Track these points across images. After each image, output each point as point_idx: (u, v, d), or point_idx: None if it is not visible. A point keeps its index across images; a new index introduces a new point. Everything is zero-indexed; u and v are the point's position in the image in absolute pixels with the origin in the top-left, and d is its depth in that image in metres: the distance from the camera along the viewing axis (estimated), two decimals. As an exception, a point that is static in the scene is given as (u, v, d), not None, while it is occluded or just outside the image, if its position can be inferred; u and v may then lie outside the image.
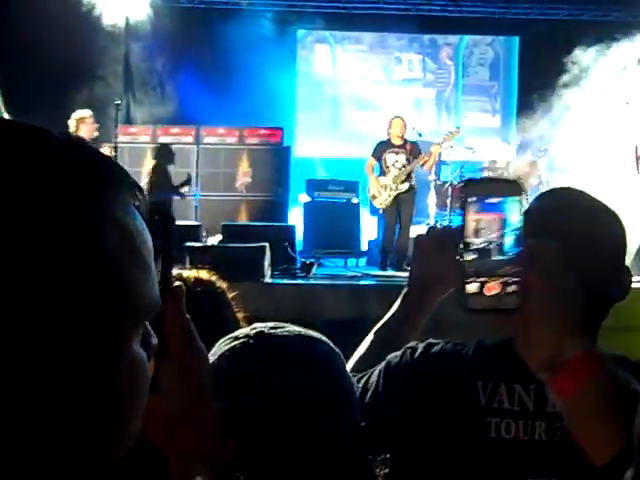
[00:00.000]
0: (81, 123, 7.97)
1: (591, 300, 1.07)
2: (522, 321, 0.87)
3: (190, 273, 1.64)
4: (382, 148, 8.90)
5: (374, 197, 8.87)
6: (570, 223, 1.37)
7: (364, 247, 9.82)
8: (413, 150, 8.81)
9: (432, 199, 9.75)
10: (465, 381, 1.42)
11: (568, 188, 1.58)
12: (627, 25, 10.83)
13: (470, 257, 0.88)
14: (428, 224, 9.03)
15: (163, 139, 10.26)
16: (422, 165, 8.87)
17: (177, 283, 0.83)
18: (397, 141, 8.84)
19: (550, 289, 0.86)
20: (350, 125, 12.04)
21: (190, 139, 10.44)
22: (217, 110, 10.47)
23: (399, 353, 1.48)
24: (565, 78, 10.64)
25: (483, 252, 0.88)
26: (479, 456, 1.38)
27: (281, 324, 1.12)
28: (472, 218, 0.89)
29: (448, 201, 9.48)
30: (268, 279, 6.40)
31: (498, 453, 1.37)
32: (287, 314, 5.86)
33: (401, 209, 8.76)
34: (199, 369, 0.77)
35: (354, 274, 7.50)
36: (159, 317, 0.78)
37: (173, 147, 9.74)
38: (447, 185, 9.67)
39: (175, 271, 1.66)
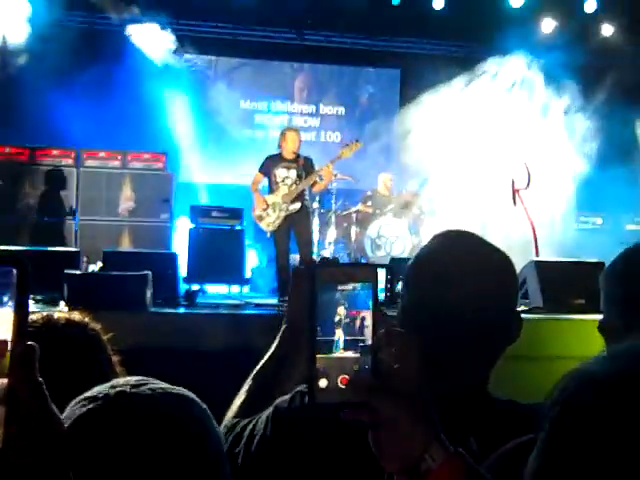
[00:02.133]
0: None
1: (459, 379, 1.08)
2: (375, 430, 0.85)
3: (61, 315, 1.58)
4: (272, 162, 8.16)
5: (260, 218, 8.12)
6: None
7: (248, 274, 9.80)
8: (305, 165, 8.08)
9: (315, 227, 9.52)
10: (351, 431, 1.41)
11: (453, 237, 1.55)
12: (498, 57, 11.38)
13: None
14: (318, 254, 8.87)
15: (42, 161, 9.95)
16: (312, 186, 8.18)
17: (29, 343, 0.79)
18: (290, 156, 8.09)
19: (401, 411, 0.84)
20: (235, 151, 12.01)
21: (70, 162, 10.15)
22: (99, 134, 10.25)
23: (287, 398, 1.44)
24: (443, 112, 11.03)
25: (328, 345, 0.87)
26: None
27: (144, 380, 1.06)
28: (338, 310, 0.87)
29: (330, 230, 9.49)
30: (150, 308, 6.26)
31: None
32: (169, 344, 5.78)
33: (295, 232, 8.01)
34: (50, 436, 0.74)
35: (237, 302, 7.45)
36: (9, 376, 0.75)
37: (52, 170, 9.48)
38: (330, 214, 9.79)
39: (45, 312, 1.60)
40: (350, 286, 0.88)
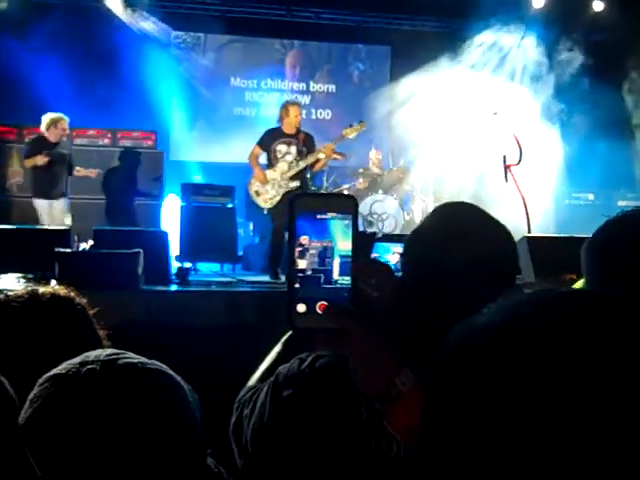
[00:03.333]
0: (52, 125, 8.49)
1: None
2: (351, 356, 0.88)
3: (46, 289, 1.57)
4: (272, 137, 7.84)
5: (257, 194, 7.88)
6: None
7: (240, 252, 9.79)
8: (307, 142, 7.81)
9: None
10: (348, 397, 1.41)
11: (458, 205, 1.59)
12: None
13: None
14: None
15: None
16: (312, 166, 7.91)
17: None
18: (291, 130, 7.78)
19: (371, 335, 0.86)
20: (226, 129, 11.96)
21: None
22: (89, 111, 10.19)
23: (287, 365, 1.44)
24: (435, 88, 10.99)
25: (311, 279, 0.89)
26: (362, 474, 1.37)
27: (116, 353, 1.04)
28: (301, 239, 0.89)
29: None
30: (142, 286, 6.25)
31: (380, 471, 1.36)
32: (162, 322, 5.78)
33: None
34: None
35: (230, 280, 7.44)
36: None
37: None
38: (322, 191, 9.75)
39: (30, 287, 1.59)
40: (329, 215, 0.89)
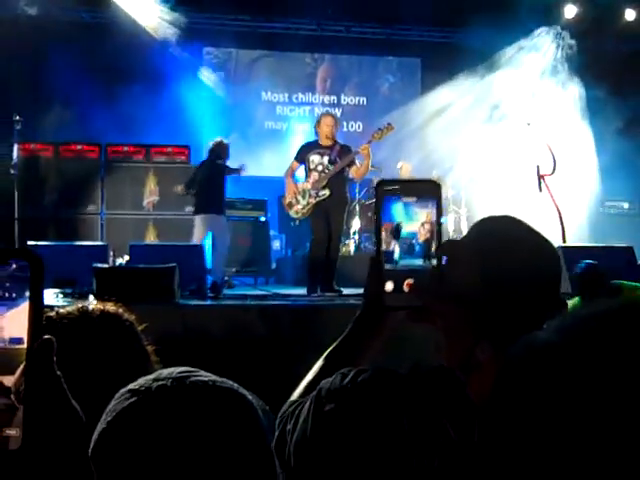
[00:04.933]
0: None
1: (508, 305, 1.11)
2: (439, 329, 0.95)
3: (95, 306, 1.60)
4: (307, 149, 7.78)
5: (290, 205, 7.74)
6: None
7: (273, 265, 9.82)
8: (342, 152, 7.64)
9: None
10: (390, 412, 1.41)
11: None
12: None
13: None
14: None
15: (66, 157, 10.05)
16: (354, 174, 7.67)
17: (46, 337, 0.80)
18: (325, 142, 7.68)
19: (454, 310, 0.94)
20: (257, 143, 12.02)
21: (95, 156, 10.23)
22: (123, 127, 10.33)
23: (330, 379, 1.45)
24: (466, 100, 10.96)
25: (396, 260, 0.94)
26: None
27: (188, 371, 1.03)
28: (386, 223, 0.95)
29: (354, 220, 9.31)
30: (178, 300, 6.30)
31: None
32: (197, 336, 5.81)
33: (330, 221, 7.49)
34: (69, 432, 0.75)
35: (264, 293, 7.47)
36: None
37: (75, 163, 9.61)
38: (354, 203, 9.76)
39: (80, 304, 1.62)
40: (413, 199, 0.94)
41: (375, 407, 1.41)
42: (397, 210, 0.95)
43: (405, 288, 0.93)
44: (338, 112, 12.93)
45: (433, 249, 0.94)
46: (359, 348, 1.43)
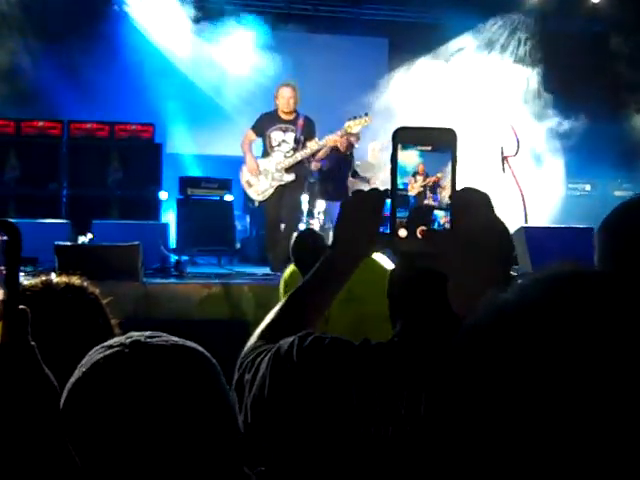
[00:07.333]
0: None
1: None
2: (450, 272, 0.95)
3: (60, 279, 1.59)
4: (266, 122, 7.21)
5: (249, 184, 7.31)
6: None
7: (238, 245, 9.79)
8: (305, 127, 7.14)
9: (305, 196, 8.20)
10: (341, 381, 1.45)
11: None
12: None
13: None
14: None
15: (28, 133, 9.87)
16: (312, 156, 7.40)
17: (21, 307, 0.80)
18: (286, 116, 7.14)
19: (465, 257, 0.94)
20: (224, 122, 11.93)
21: (57, 134, 10.06)
22: (85, 104, 10.18)
23: (289, 340, 1.46)
24: (430, 80, 10.99)
25: (413, 206, 0.95)
26: (350, 458, 1.41)
27: (157, 333, 1.10)
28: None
29: (319, 200, 9.17)
30: (141, 279, 6.27)
31: (369, 455, 1.40)
32: (161, 314, 5.79)
33: (284, 201, 7.20)
34: (43, 399, 0.75)
35: (228, 272, 7.46)
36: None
37: (37, 142, 9.44)
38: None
39: (44, 277, 1.61)
40: (429, 147, 0.95)
41: (327, 375, 1.46)
42: (411, 158, 0.96)
43: (418, 234, 0.94)
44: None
45: (447, 198, 0.96)
46: (323, 290, 1.42)
